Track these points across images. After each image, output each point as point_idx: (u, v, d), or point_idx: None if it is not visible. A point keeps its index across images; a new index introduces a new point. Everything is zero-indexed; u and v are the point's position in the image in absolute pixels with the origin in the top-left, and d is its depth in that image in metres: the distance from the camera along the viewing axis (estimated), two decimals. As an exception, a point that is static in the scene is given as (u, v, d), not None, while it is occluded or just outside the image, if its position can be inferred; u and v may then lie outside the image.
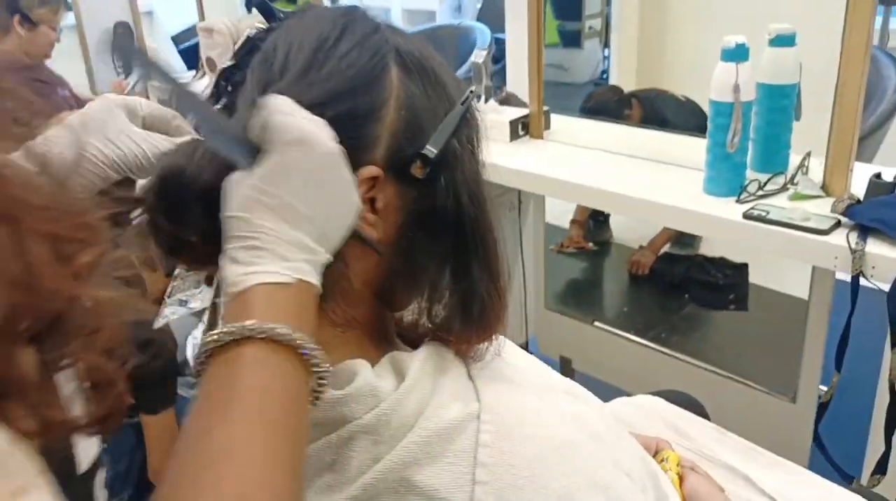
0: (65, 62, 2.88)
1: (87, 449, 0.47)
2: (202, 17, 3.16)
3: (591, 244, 2.70)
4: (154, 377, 1.68)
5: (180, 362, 1.71)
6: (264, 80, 0.59)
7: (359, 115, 0.58)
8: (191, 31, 3.44)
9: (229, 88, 0.63)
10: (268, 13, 0.64)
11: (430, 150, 0.60)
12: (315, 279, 0.53)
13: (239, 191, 0.52)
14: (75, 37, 3.65)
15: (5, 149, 0.40)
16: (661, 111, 2.32)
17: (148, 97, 3.11)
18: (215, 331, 0.48)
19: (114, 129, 0.64)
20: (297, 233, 0.52)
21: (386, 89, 0.60)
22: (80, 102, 2.72)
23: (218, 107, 0.63)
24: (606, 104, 2.48)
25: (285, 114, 0.54)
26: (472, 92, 0.66)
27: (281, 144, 0.53)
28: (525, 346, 2.35)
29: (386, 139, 0.59)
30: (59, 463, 0.40)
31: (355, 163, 0.58)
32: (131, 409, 1.77)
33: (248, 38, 0.64)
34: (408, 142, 0.60)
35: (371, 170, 0.58)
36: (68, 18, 2.90)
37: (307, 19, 0.63)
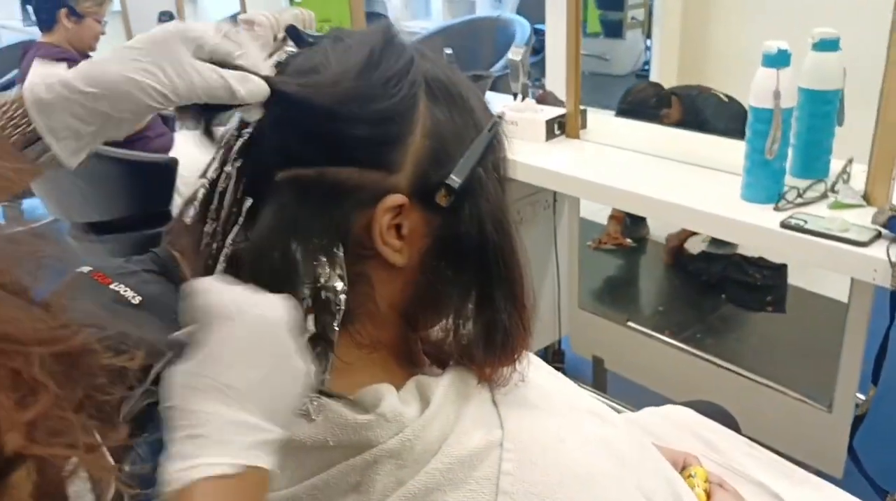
0: (109, 46, 2.93)
1: None
2: (244, 6, 3.19)
3: (628, 240, 2.68)
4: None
5: None
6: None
7: (386, 143, 0.59)
8: (233, 20, 3.47)
9: None
10: (297, 38, 0.65)
11: (454, 180, 0.60)
12: (265, 461, 0.49)
13: (174, 379, 0.49)
14: (120, 24, 3.72)
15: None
16: (702, 110, 2.28)
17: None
18: None
19: (178, 58, 0.57)
20: (240, 413, 0.48)
21: (414, 118, 0.60)
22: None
23: (248, 131, 0.64)
24: (645, 101, 2.46)
25: (210, 292, 0.52)
26: (499, 118, 0.66)
27: (208, 324, 0.50)
28: (558, 345, 2.35)
29: (411, 166, 0.60)
30: None
31: (382, 189, 0.59)
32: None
33: (279, 64, 0.64)
34: (433, 169, 0.61)
35: (396, 199, 0.59)
36: (113, 5, 2.96)
37: (341, 46, 0.63)
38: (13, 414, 0.34)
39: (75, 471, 0.38)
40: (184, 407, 0.48)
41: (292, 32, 0.65)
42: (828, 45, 1.43)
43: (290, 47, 0.67)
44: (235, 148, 0.63)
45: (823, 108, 1.45)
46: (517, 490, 0.58)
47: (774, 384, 1.84)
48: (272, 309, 0.53)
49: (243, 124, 0.64)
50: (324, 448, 0.60)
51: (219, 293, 0.52)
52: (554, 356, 2.35)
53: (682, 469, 0.96)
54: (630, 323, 2.15)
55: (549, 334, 2.28)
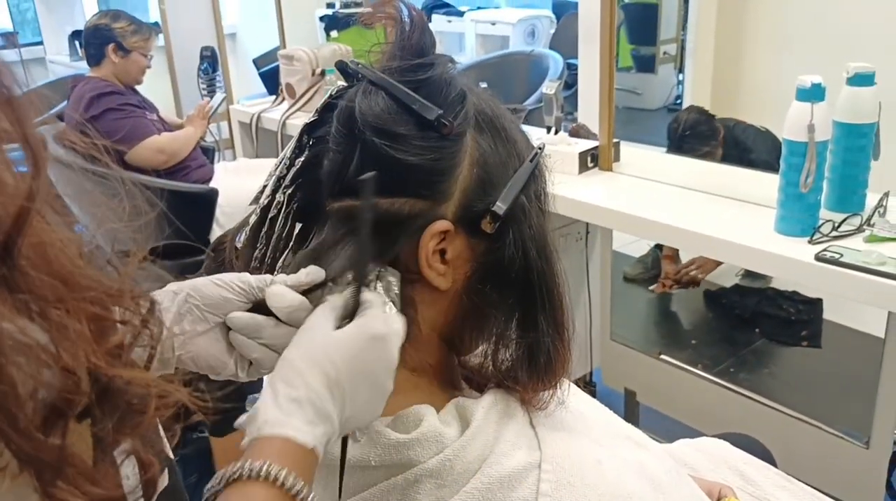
0: (153, 81, 3.03)
1: None
2: (283, 42, 3.27)
3: (700, 275, 2.64)
4: (222, 405, 1.76)
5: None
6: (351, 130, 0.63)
7: (437, 174, 0.62)
8: (271, 55, 3.57)
9: (311, 142, 0.67)
10: (346, 73, 0.67)
11: (500, 207, 0.62)
12: (321, 452, 0.54)
13: (313, 342, 0.56)
14: (164, 57, 3.83)
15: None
16: (743, 141, 2.28)
17: (230, 121, 3.23)
18: (236, 465, 0.50)
19: None
20: (334, 408, 0.54)
21: (462, 149, 0.63)
22: (167, 126, 2.86)
23: (301, 160, 0.67)
24: (697, 125, 2.42)
25: (375, 306, 0.58)
26: (540, 149, 0.69)
27: (367, 328, 0.57)
28: (589, 377, 2.34)
29: (458, 195, 0.63)
30: None
31: (429, 216, 0.62)
32: (200, 426, 1.85)
33: (330, 96, 0.67)
34: (478, 197, 0.63)
35: (442, 225, 0.62)
36: (158, 41, 3.05)
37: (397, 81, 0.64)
38: (95, 345, 0.39)
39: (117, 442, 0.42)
40: (304, 372, 0.54)
41: (341, 67, 0.67)
42: (863, 79, 1.44)
43: (341, 81, 0.70)
44: (288, 175, 0.66)
45: (858, 142, 1.46)
46: (555, 511, 0.59)
47: (810, 419, 1.81)
48: (396, 351, 0.58)
49: (295, 153, 0.68)
50: (366, 467, 0.61)
51: (386, 313, 0.58)
52: (585, 388, 2.35)
53: (718, 500, 0.96)
54: (663, 356, 2.14)
55: (580, 366, 2.27)
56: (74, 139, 0.46)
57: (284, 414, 0.52)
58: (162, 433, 0.48)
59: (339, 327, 0.57)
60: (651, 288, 2.61)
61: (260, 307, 0.62)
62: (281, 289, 0.61)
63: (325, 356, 0.55)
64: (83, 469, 0.39)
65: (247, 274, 0.63)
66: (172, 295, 0.62)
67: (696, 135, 2.39)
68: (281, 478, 0.49)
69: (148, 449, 0.45)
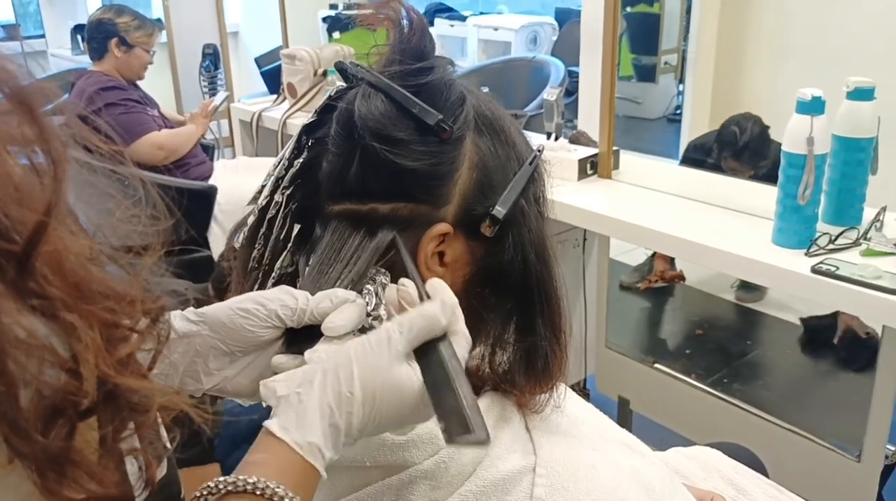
0: (154, 77, 3.03)
1: None
2: (286, 42, 3.28)
3: (676, 271, 2.66)
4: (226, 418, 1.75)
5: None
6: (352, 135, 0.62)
7: (436, 176, 0.62)
8: (274, 54, 3.57)
9: (310, 143, 0.67)
10: (346, 74, 0.67)
11: (499, 211, 0.62)
12: (322, 467, 0.51)
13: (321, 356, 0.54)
14: (166, 54, 3.84)
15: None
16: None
17: (230, 119, 3.23)
18: (220, 479, 0.48)
19: None
20: (340, 420, 0.51)
21: (462, 153, 0.63)
22: (168, 122, 2.86)
23: (300, 161, 0.67)
24: (761, 138, 2.40)
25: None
26: (539, 151, 0.69)
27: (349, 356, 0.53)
28: (583, 384, 2.34)
29: (458, 198, 0.63)
30: None
31: (429, 220, 0.62)
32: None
33: (329, 97, 0.67)
34: (478, 200, 0.63)
35: (441, 228, 0.62)
36: (160, 37, 3.05)
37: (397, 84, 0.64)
38: (105, 353, 0.39)
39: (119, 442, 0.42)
40: (311, 385, 0.51)
41: (341, 68, 0.67)
42: (863, 93, 1.45)
43: (340, 81, 0.70)
44: (287, 176, 0.66)
45: (857, 156, 1.46)
46: (548, 516, 0.59)
47: (803, 431, 1.82)
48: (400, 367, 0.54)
49: (294, 154, 0.68)
50: (360, 467, 0.61)
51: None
52: (579, 395, 2.35)
53: (709, 509, 0.96)
54: (657, 365, 2.14)
55: (574, 373, 2.27)
56: (78, 133, 0.45)
57: (289, 420, 0.50)
58: (160, 420, 0.47)
59: None
60: (639, 284, 2.64)
61: (292, 331, 0.60)
62: (337, 325, 0.57)
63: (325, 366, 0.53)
64: (86, 467, 0.38)
65: (260, 296, 0.60)
66: (187, 324, 0.60)
67: (755, 151, 2.36)
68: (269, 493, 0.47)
69: (148, 449, 0.44)
